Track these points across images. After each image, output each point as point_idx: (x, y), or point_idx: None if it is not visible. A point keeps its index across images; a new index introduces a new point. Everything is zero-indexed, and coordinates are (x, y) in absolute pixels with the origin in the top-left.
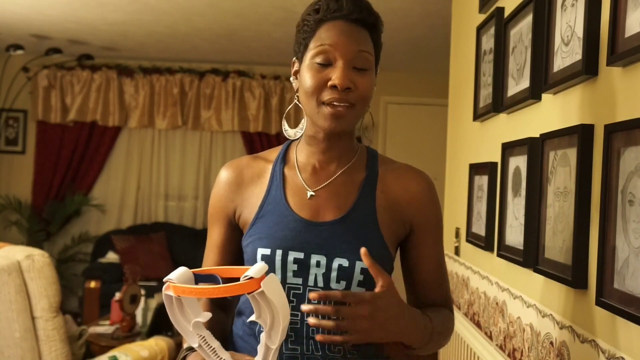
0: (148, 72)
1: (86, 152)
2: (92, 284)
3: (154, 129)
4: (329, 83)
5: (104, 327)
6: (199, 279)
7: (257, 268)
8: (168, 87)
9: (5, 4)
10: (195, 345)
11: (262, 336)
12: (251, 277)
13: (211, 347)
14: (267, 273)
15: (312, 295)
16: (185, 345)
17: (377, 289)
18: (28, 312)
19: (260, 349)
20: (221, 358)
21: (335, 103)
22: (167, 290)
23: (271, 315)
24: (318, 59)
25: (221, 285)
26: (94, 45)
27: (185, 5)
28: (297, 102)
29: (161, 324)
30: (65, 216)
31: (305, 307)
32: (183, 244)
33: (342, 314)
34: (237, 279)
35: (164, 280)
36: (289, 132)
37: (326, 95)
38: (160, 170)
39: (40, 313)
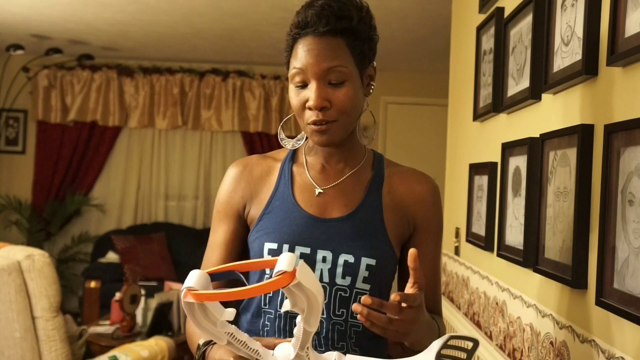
0: (148, 72)
1: (86, 152)
2: (92, 284)
3: (154, 129)
4: (307, 105)
5: (104, 327)
6: (212, 277)
7: (287, 260)
8: (168, 87)
9: (5, 4)
10: (223, 344)
11: (299, 321)
12: (285, 272)
13: (241, 341)
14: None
15: (365, 299)
16: (201, 342)
17: (416, 290)
18: (28, 312)
19: (298, 333)
20: (254, 349)
21: (316, 124)
22: (187, 298)
23: (308, 302)
24: (295, 81)
25: (254, 285)
26: (94, 45)
27: (185, 5)
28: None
29: (161, 324)
30: (65, 216)
31: (356, 307)
32: (183, 244)
33: (395, 315)
34: (259, 272)
35: (182, 288)
36: (286, 143)
37: (308, 116)
38: (160, 170)
39: (40, 313)
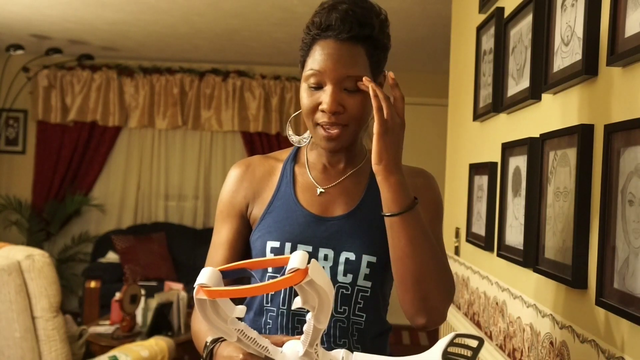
0: (148, 72)
1: (86, 152)
2: (92, 284)
3: (154, 129)
4: (320, 107)
5: (104, 327)
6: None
7: (299, 258)
8: (168, 87)
9: (5, 4)
10: (233, 340)
11: (309, 318)
12: (297, 269)
13: (250, 338)
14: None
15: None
16: (208, 340)
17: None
18: (28, 312)
19: (307, 330)
20: (263, 346)
21: (326, 127)
22: (199, 295)
23: (319, 299)
24: (310, 82)
25: (267, 282)
26: (94, 45)
27: (185, 5)
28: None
29: (161, 324)
30: (65, 216)
31: (366, 81)
32: (183, 244)
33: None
34: (261, 272)
35: (194, 285)
36: (293, 139)
37: (319, 118)
38: (160, 170)
39: (40, 313)
